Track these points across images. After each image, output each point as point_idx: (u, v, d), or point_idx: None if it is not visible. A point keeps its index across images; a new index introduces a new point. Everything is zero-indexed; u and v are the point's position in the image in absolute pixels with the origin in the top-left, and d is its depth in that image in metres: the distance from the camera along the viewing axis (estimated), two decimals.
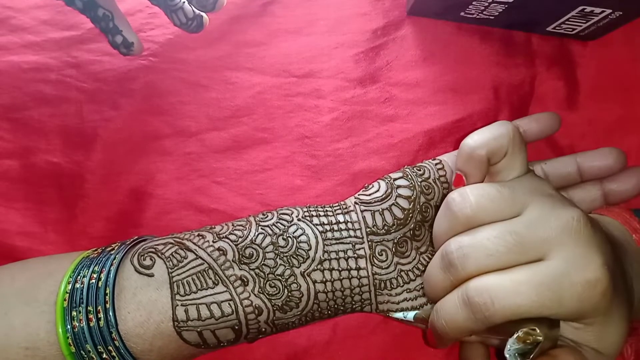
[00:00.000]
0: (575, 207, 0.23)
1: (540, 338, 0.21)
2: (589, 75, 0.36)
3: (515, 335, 0.21)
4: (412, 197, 0.27)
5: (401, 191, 0.27)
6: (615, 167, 0.30)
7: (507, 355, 0.21)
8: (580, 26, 0.34)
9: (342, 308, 0.26)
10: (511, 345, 0.21)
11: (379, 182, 0.28)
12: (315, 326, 0.32)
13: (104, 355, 0.22)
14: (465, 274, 0.22)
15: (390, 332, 0.32)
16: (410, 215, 0.27)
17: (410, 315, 0.26)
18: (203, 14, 0.31)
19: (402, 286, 0.26)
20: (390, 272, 0.26)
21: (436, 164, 0.29)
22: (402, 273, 0.26)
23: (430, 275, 0.24)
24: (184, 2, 0.30)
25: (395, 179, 0.28)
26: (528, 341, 0.21)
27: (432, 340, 0.25)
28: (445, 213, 0.24)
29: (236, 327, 0.24)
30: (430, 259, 0.27)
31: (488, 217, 0.23)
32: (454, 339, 0.24)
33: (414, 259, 0.27)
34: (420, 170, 0.28)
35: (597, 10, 0.32)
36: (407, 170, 0.28)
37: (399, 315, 0.27)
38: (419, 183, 0.28)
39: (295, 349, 0.32)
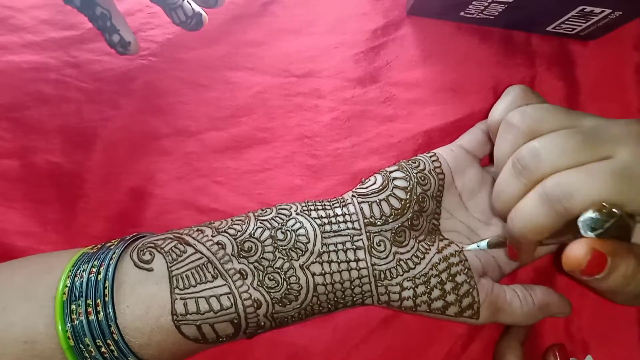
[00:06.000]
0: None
1: (618, 212, 0.20)
2: (588, 75, 0.36)
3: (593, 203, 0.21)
4: (409, 188, 0.27)
5: (397, 182, 0.28)
6: None
7: (579, 224, 0.21)
8: (580, 26, 0.34)
9: (342, 301, 0.26)
10: (586, 214, 0.21)
11: (375, 176, 0.28)
12: (315, 326, 0.32)
13: (103, 349, 0.22)
14: (539, 173, 0.22)
15: (390, 332, 0.32)
16: (408, 205, 0.27)
17: (483, 244, 0.27)
18: (202, 12, 0.31)
19: (402, 275, 0.26)
20: (389, 262, 0.26)
21: (431, 157, 0.29)
22: (402, 262, 0.26)
23: (501, 186, 0.24)
24: (184, 0, 0.30)
25: (391, 172, 0.28)
26: (604, 211, 0.20)
27: (515, 255, 0.25)
28: (507, 130, 0.24)
29: (235, 321, 0.24)
30: (429, 246, 0.27)
31: (550, 127, 0.23)
32: (535, 246, 0.23)
33: (413, 247, 0.27)
34: (415, 162, 0.29)
35: (597, 10, 0.32)
36: (403, 163, 0.29)
37: (473, 246, 0.27)
38: (414, 174, 0.28)
39: (295, 349, 0.32)
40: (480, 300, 0.27)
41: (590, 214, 0.21)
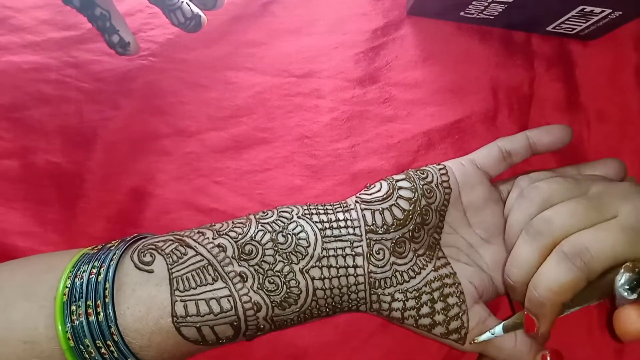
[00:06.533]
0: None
1: None
2: (588, 76, 0.36)
3: (623, 266, 0.22)
4: (413, 199, 0.27)
5: (402, 192, 0.27)
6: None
7: (618, 288, 0.22)
8: (580, 26, 0.34)
9: (339, 306, 0.26)
10: (621, 277, 0.22)
11: (380, 183, 0.28)
12: (316, 327, 0.32)
13: (103, 350, 0.22)
14: (553, 237, 0.24)
15: (391, 334, 0.32)
16: (410, 216, 0.27)
17: (498, 329, 0.26)
18: (201, 13, 0.31)
19: (395, 286, 0.26)
20: (386, 272, 0.26)
21: (440, 169, 0.29)
22: (397, 273, 0.26)
23: (517, 253, 0.25)
24: (182, 1, 0.30)
25: (397, 181, 0.28)
26: (637, 269, 0.22)
27: (533, 328, 0.25)
28: (521, 203, 0.27)
29: (235, 324, 0.24)
30: (427, 262, 0.27)
31: (561, 198, 0.25)
32: (557, 311, 0.24)
33: (411, 260, 0.27)
34: (423, 174, 0.28)
35: (597, 10, 0.32)
36: (411, 172, 0.28)
37: (485, 336, 0.27)
38: (421, 186, 0.28)
39: (296, 350, 0.32)
40: (469, 327, 0.27)
41: (625, 276, 0.22)
